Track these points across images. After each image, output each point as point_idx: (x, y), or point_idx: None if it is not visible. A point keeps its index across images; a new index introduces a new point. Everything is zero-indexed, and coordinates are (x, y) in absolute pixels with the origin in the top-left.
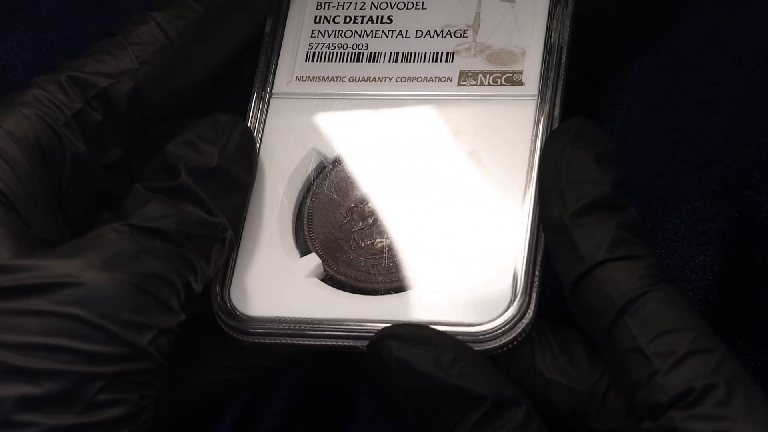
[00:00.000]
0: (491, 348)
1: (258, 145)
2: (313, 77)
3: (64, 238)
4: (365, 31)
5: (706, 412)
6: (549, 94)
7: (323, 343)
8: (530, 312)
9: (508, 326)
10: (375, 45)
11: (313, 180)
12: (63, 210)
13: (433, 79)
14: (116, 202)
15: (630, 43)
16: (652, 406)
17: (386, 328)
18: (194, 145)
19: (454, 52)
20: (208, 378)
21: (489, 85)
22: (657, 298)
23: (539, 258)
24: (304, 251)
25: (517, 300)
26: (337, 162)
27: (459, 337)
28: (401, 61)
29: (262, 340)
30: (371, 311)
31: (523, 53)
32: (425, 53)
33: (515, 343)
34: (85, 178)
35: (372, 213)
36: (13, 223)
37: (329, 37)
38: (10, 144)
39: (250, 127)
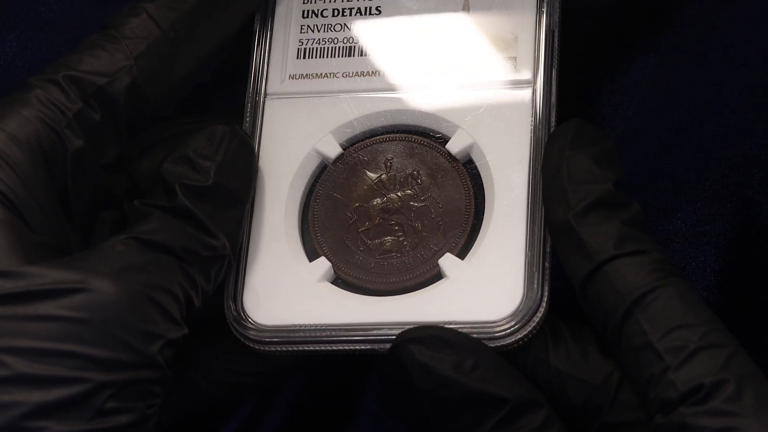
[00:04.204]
0: (507, 344)
1: (257, 149)
2: (306, 75)
3: (68, 242)
4: (354, 24)
5: (716, 409)
6: (545, 80)
7: (340, 348)
8: (543, 305)
9: (522, 321)
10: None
11: (315, 181)
12: (66, 212)
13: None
14: (115, 202)
15: (629, 44)
16: (663, 402)
17: (406, 331)
18: (190, 161)
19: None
20: (213, 381)
21: (483, 72)
22: (667, 293)
23: (548, 250)
24: (312, 255)
25: (529, 294)
26: (337, 161)
27: (474, 335)
28: None
29: (279, 348)
30: (385, 313)
31: (516, 39)
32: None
33: (530, 337)
34: (86, 179)
35: (377, 212)
36: (19, 229)
37: (318, 32)
38: (12, 148)
39: (247, 136)
